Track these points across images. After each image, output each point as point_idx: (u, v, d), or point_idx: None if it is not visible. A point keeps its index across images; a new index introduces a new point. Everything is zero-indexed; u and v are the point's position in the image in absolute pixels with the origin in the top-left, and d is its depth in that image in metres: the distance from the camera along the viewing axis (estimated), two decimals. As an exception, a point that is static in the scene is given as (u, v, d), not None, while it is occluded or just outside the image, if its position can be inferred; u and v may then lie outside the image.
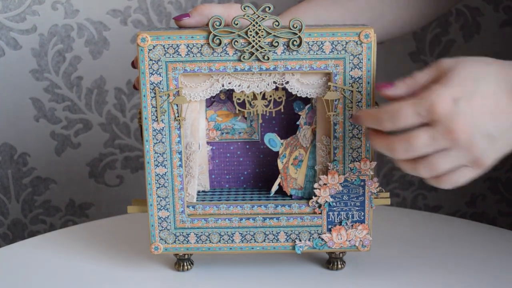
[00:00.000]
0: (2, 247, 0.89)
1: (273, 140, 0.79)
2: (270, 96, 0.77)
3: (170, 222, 0.77)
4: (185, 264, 0.80)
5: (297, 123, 0.77)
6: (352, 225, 0.76)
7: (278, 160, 0.78)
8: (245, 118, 0.81)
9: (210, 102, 0.81)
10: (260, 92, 0.75)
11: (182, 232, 0.77)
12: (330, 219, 0.76)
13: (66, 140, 1.27)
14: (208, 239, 0.77)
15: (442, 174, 0.64)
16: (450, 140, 0.61)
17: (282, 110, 0.79)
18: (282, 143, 0.78)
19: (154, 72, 0.73)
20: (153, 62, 0.72)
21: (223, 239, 0.77)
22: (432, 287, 0.75)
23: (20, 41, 1.19)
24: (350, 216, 0.75)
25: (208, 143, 0.82)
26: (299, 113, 0.77)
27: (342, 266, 0.78)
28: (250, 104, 0.77)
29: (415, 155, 0.63)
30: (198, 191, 0.82)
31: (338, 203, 0.75)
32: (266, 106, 0.77)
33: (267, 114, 0.80)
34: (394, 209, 1.00)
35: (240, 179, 0.83)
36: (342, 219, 0.76)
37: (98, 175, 1.30)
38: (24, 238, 1.29)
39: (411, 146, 0.62)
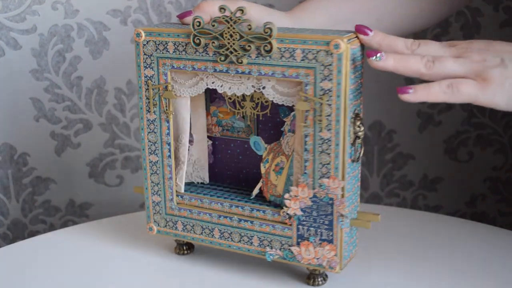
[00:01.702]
0: (2, 247, 0.89)
1: (257, 144, 0.79)
2: (258, 99, 0.78)
3: (161, 207, 0.81)
4: (184, 248, 0.84)
5: (282, 129, 0.76)
6: (320, 243, 0.72)
7: (261, 164, 0.78)
8: (243, 117, 0.81)
9: (214, 98, 0.82)
10: (249, 94, 0.75)
11: (172, 219, 0.81)
12: (300, 232, 0.73)
13: (66, 140, 1.27)
14: (192, 229, 0.80)
15: (446, 76, 0.67)
16: (464, 47, 0.68)
17: (269, 114, 0.78)
18: (265, 148, 0.78)
19: (147, 66, 0.77)
20: (147, 56, 0.77)
21: (204, 232, 0.79)
22: (432, 287, 0.75)
23: (20, 41, 1.19)
24: (319, 233, 0.72)
25: (209, 137, 0.83)
26: (284, 119, 0.76)
27: (323, 282, 0.75)
28: (240, 105, 0.78)
29: (428, 53, 0.68)
30: (197, 183, 0.84)
31: (307, 217, 0.72)
32: (254, 108, 0.78)
33: (261, 116, 0.80)
34: (394, 209, 1.00)
35: (240, 177, 0.84)
36: (311, 235, 0.72)
37: (98, 175, 1.30)
38: (24, 238, 1.29)
39: (427, 47, 0.69)
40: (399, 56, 0.67)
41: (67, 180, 1.29)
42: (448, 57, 0.67)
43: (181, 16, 0.77)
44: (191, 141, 0.82)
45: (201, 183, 0.84)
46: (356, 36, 0.69)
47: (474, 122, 1.35)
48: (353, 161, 0.70)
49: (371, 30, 0.68)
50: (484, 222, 1.32)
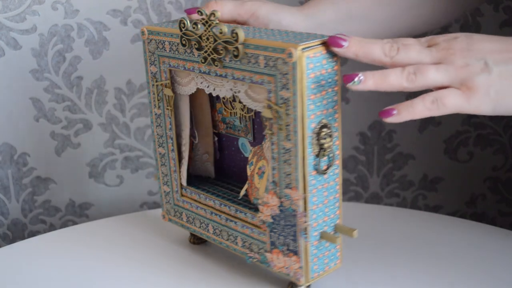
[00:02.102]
0: (2, 247, 0.89)
1: (244, 145, 0.80)
2: None
3: (170, 198, 0.84)
4: (194, 238, 0.86)
5: (264, 133, 0.76)
6: (288, 254, 0.70)
7: (247, 166, 0.78)
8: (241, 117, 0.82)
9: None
10: (230, 96, 0.76)
11: (178, 209, 0.84)
12: (272, 239, 0.72)
13: (66, 140, 1.27)
14: (193, 222, 0.82)
15: (430, 87, 0.64)
16: (445, 52, 0.63)
17: (253, 117, 0.78)
18: (251, 150, 0.78)
19: (152, 63, 0.80)
20: (151, 53, 0.80)
21: (202, 226, 0.81)
22: (432, 287, 0.75)
23: (20, 41, 1.19)
24: (287, 243, 0.70)
25: (216, 133, 0.84)
26: (265, 123, 0.75)
27: None
28: (231, 105, 0.80)
29: (408, 59, 0.64)
30: (204, 176, 0.86)
31: (277, 226, 0.71)
32: (242, 110, 0.78)
33: (255, 116, 0.80)
34: (394, 209, 1.00)
35: (242, 175, 0.84)
36: (280, 244, 0.71)
37: (98, 175, 1.30)
38: (24, 238, 1.29)
39: (406, 51, 0.64)
40: (378, 74, 0.64)
41: (67, 180, 1.29)
42: (429, 66, 0.64)
43: (188, 12, 0.78)
44: (194, 137, 0.84)
45: (208, 177, 0.86)
46: (323, 43, 0.65)
47: (474, 122, 1.35)
48: (320, 173, 0.67)
49: (345, 40, 0.64)
50: (484, 222, 1.32)
